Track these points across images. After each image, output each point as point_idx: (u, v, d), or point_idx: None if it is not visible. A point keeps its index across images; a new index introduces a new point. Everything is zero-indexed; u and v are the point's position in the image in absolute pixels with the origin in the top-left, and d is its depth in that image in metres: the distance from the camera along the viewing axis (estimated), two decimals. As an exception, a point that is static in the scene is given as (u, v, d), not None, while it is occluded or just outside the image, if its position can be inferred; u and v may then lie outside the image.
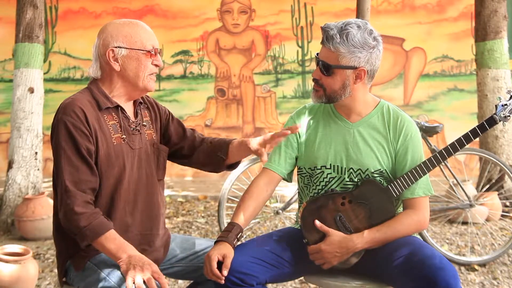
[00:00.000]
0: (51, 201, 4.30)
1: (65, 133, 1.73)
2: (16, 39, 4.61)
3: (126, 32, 1.83)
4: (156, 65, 1.88)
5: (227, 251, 1.79)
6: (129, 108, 1.92)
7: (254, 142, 1.94)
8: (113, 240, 1.69)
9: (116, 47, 1.81)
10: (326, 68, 1.90)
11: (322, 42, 1.91)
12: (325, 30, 1.89)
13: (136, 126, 1.89)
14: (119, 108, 1.86)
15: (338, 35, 1.85)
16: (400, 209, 2.00)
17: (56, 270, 3.49)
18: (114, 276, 1.69)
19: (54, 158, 1.77)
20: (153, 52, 1.85)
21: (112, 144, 1.80)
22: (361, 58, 1.87)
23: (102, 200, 1.79)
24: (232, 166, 2.10)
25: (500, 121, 1.91)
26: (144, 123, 1.95)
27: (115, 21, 1.90)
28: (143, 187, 1.89)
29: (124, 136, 1.84)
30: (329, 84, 1.92)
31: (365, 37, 1.85)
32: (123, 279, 1.66)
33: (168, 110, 2.10)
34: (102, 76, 1.87)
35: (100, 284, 1.70)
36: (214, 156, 2.04)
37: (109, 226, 1.71)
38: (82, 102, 1.78)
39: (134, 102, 1.95)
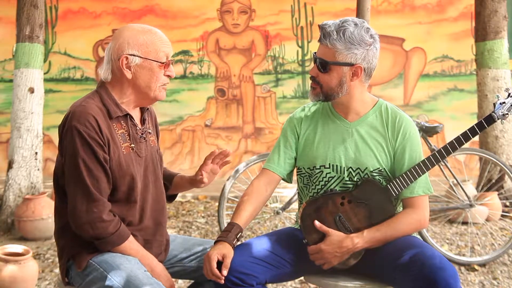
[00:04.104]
0: (51, 201, 4.31)
1: (82, 142, 1.72)
2: (17, 39, 4.61)
3: (142, 41, 1.81)
4: (168, 76, 1.87)
5: (226, 251, 1.79)
6: (136, 114, 1.91)
7: (196, 174, 2.03)
8: (134, 245, 1.81)
9: (130, 55, 1.79)
10: (323, 65, 1.91)
11: (320, 40, 1.92)
12: (322, 27, 1.90)
13: (142, 134, 1.90)
14: (128, 116, 1.85)
15: (335, 32, 1.86)
16: (400, 208, 2.00)
17: (56, 270, 3.49)
18: (115, 274, 1.70)
19: (69, 165, 1.75)
20: (166, 63, 1.84)
21: (122, 154, 1.81)
22: (357, 55, 1.87)
23: (115, 209, 1.80)
24: (171, 198, 2.19)
25: (498, 119, 1.91)
26: (149, 130, 1.95)
27: (133, 26, 1.86)
28: (150, 194, 1.90)
29: (132, 145, 1.84)
30: (326, 81, 1.92)
31: (362, 34, 1.86)
32: (124, 278, 1.67)
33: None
34: (112, 80, 1.84)
35: (101, 283, 1.71)
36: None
37: (129, 232, 1.81)
38: (94, 110, 1.76)
39: (141, 108, 1.95)
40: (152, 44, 1.82)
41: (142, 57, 1.80)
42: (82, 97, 1.85)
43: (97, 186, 1.74)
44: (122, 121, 1.84)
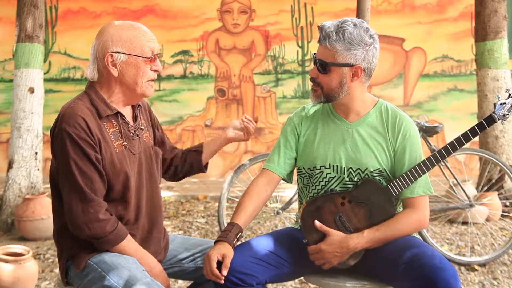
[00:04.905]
0: (50, 201, 4.30)
1: (72, 144, 1.72)
2: (16, 39, 4.61)
3: (126, 37, 1.80)
4: (155, 71, 1.86)
5: (226, 251, 1.79)
6: (127, 112, 1.91)
7: (230, 131, 2.15)
8: (132, 245, 1.81)
9: (115, 52, 1.79)
10: (323, 66, 1.90)
11: (319, 41, 1.91)
12: (322, 28, 1.89)
13: (135, 131, 1.89)
14: (119, 114, 1.85)
15: (335, 33, 1.86)
16: (400, 208, 2.00)
17: (56, 270, 3.49)
18: (114, 274, 1.70)
19: (61, 167, 1.75)
20: (152, 58, 1.83)
21: (115, 152, 1.80)
22: (357, 55, 1.87)
23: (111, 208, 1.80)
24: (205, 167, 2.20)
25: (498, 119, 1.91)
26: (142, 127, 1.95)
27: (116, 22, 1.86)
28: (145, 191, 1.90)
29: (125, 143, 1.84)
30: (326, 82, 1.92)
31: (361, 34, 1.86)
32: (122, 278, 1.67)
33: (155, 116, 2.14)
34: (100, 79, 1.85)
35: (100, 283, 1.71)
36: (190, 154, 2.15)
37: (126, 231, 1.81)
38: (83, 111, 1.75)
39: (133, 105, 1.95)
40: (136, 40, 1.81)
41: (127, 54, 1.80)
42: (71, 99, 1.84)
43: (91, 186, 1.73)
44: (113, 120, 1.83)
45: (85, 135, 1.73)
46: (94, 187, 1.74)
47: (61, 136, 1.73)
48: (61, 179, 1.77)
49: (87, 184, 1.73)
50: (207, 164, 2.19)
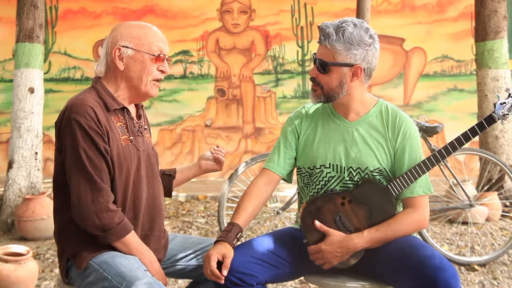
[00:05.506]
0: (51, 201, 4.31)
1: (82, 133, 1.72)
2: (16, 39, 4.61)
3: (135, 33, 1.84)
4: (161, 71, 1.87)
5: (226, 251, 1.79)
6: (132, 109, 1.93)
7: (203, 163, 2.20)
8: (136, 239, 1.81)
9: (123, 46, 1.82)
10: (322, 65, 1.91)
11: (319, 41, 1.92)
12: (322, 28, 1.90)
13: (139, 128, 1.91)
14: (125, 110, 1.86)
15: (335, 33, 1.86)
16: (400, 208, 2.00)
17: (56, 270, 3.49)
18: (115, 275, 1.69)
19: (70, 157, 1.75)
20: (161, 56, 1.85)
21: (121, 146, 1.81)
22: (357, 55, 1.87)
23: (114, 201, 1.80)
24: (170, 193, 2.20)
25: (498, 119, 1.91)
26: (145, 127, 1.97)
27: (129, 22, 1.91)
28: (147, 189, 1.90)
29: (131, 137, 1.85)
30: (326, 82, 1.92)
31: (361, 34, 1.86)
32: (123, 278, 1.67)
33: None
34: (107, 74, 1.87)
35: (101, 284, 1.70)
36: (162, 176, 2.13)
37: (131, 225, 1.81)
38: (92, 102, 1.76)
39: (136, 104, 1.96)
40: (146, 37, 1.84)
41: (135, 49, 1.82)
42: (78, 93, 1.85)
43: (100, 175, 1.74)
44: (119, 114, 1.85)
45: (95, 125, 1.73)
46: (103, 176, 1.74)
47: (70, 125, 1.73)
48: (69, 169, 1.76)
49: (96, 173, 1.73)
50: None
